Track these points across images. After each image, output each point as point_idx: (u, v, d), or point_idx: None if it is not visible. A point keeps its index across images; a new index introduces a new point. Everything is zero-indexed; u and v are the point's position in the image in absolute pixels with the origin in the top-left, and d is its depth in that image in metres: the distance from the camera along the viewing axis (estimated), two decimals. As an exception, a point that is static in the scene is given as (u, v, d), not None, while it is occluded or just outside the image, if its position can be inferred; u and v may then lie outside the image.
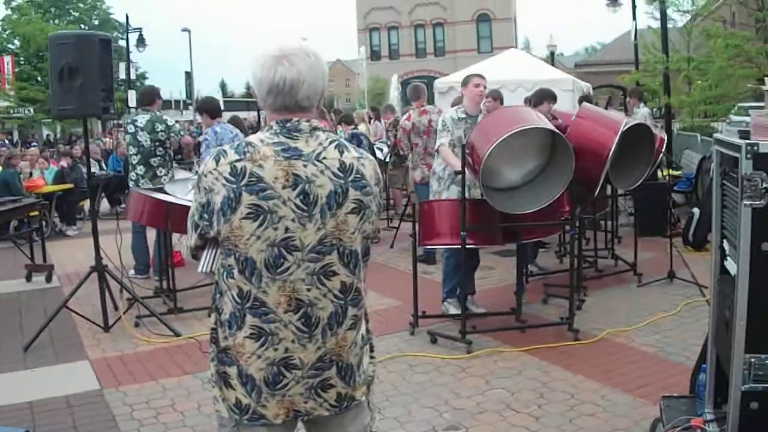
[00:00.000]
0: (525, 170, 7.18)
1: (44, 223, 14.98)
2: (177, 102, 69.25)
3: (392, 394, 6.14)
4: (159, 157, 10.35)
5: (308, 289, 2.74)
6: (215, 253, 2.85)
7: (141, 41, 41.00)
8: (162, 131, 10.34)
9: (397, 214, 14.50)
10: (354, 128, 14.05)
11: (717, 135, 3.96)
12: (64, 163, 17.34)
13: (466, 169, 6.91)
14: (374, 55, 74.43)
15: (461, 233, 6.91)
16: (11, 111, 41.09)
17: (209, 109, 9.88)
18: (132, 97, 38.30)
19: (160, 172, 10.37)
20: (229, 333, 2.79)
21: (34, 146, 28.79)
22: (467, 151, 6.88)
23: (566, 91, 20.97)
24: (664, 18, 18.27)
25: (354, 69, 79.03)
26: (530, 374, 6.42)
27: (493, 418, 5.53)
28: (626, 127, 7.71)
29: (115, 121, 35.96)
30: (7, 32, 51.58)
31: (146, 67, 72.78)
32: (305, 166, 2.72)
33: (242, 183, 2.67)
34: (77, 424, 5.78)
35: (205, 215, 2.76)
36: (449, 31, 71.32)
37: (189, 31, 53.56)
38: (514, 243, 7.71)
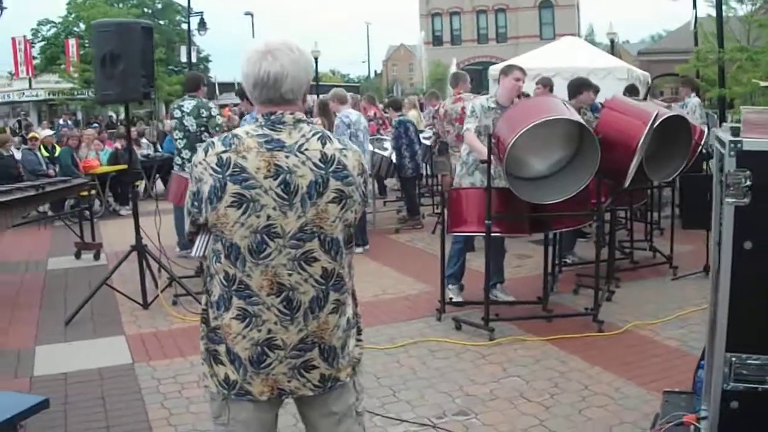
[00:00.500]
0: (551, 161, 7.18)
1: (98, 202, 15.48)
2: (239, 84, 69.53)
3: (410, 378, 6.25)
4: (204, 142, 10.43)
5: (290, 274, 2.87)
6: (208, 239, 2.98)
7: (202, 25, 41.46)
8: (206, 116, 10.54)
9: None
10: (401, 115, 14.04)
11: (717, 131, 3.96)
12: (118, 144, 17.63)
13: (491, 157, 6.95)
14: (436, 41, 74.14)
15: (486, 221, 6.96)
16: (75, 93, 41.73)
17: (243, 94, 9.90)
18: (196, 79, 38.67)
19: None
20: (218, 314, 2.94)
21: (95, 127, 29.21)
22: (493, 140, 6.92)
23: (620, 80, 20.80)
24: (720, 8, 17.99)
25: (417, 54, 78.91)
26: (548, 363, 6.45)
27: (503, 406, 5.60)
28: (662, 119, 7.67)
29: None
30: (72, 15, 52.30)
31: (211, 51, 73.37)
32: (287, 156, 2.84)
33: (227, 173, 2.81)
34: (105, 395, 6.02)
35: (196, 203, 2.91)
36: (511, 17, 70.73)
37: (252, 15, 53.75)
38: (542, 232, 7.74)
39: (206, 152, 2.89)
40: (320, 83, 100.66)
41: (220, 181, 2.81)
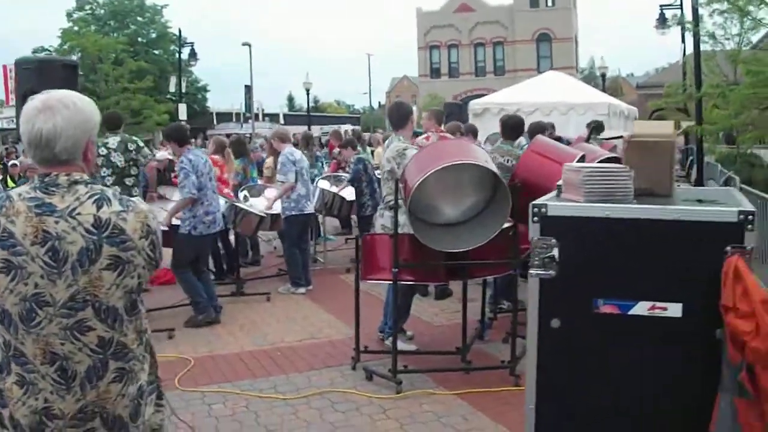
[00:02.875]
0: (464, 207, 6.89)
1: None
2: (237, 115, 69.89)
3: (300, 431, 5.99)
4: (133, 177, 10.52)
5: (62, 344, 2.72)
6: None
7: (193, 55, 41.51)
8: (134, 150, 10.46)
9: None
10: (358, 153, 13.78)
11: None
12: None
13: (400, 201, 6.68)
14: (434, 73, 74.40)
15: (393, 269, 6.68)
16: (65, 122, 41.75)
17: (176, 137, 9.64)
18: (182, 110, 38.72)
19: (135, 192, 10.45)
20: (2, 377, 2.77)
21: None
22: (401, 184, 6.65)
23: (601, 115, 20.67)
24: (697, 45, 17.76)
25: (419, 85, 79.27)
26: (450, 420, 6.14)
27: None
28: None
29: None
30: (66, 45, 52.34)
31: (209, 80, 73.47)
32: (57, 222, 2.68)
33: None
34: None
35: None
36: (509, 51, 70.96)
37: (250, 45, 53.79)
38: (460, 280, 7.45)
39: None
40: (325, 114, 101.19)
41: None
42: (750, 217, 3.00)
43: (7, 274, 2.65)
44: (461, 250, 6.64)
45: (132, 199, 2.92)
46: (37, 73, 8.19)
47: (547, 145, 7.51)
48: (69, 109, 2.76)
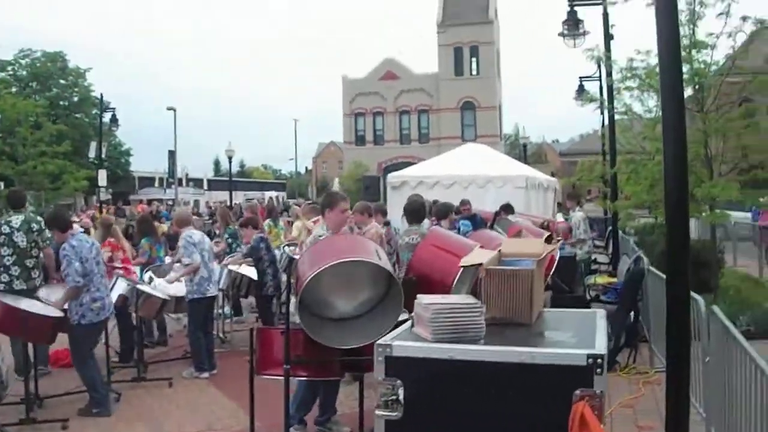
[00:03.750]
0: (357, 301, 6.77)
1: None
2: (161, 179, 69.37)
3: None
4: (35, 258, 10.40)
5: None
6: None
7: (114, 120, 41.16)
8: (37, 231, 10.37)
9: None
10: (260, 232, 13.62)
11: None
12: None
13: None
14: (359, 140, 74.72)
15: (284, 366, 6.53)
16: (-28, 183, 40.98)
17: (58, 224, 9.40)
18: (102, 176, 38.24)
19: (35, 273, 10.39)
20: None
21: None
22: (292, 279, 6.55)
23: (518, 188, 20.89)
24: (612, 123, 17.99)
25: (344, 152, 79.52)
26: None
27: None
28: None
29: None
30: (-16, 105, 51.60)
31: (133, 144, 72.96)
32: None
33: None
34: None
35: None
36: (434, 118, 71.69)
37: (174, 110, 53.65)
38: (358, 374, 7.32)
39: None
40: (251, 179, 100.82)
41: None
42: (599, 360, 2.95)
43: None
44: (353, 346, 6.51)
45: None
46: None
47: (444, 237, 7.46)
48: None
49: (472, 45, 70.48)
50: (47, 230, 10.43)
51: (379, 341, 2.87)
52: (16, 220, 10.38)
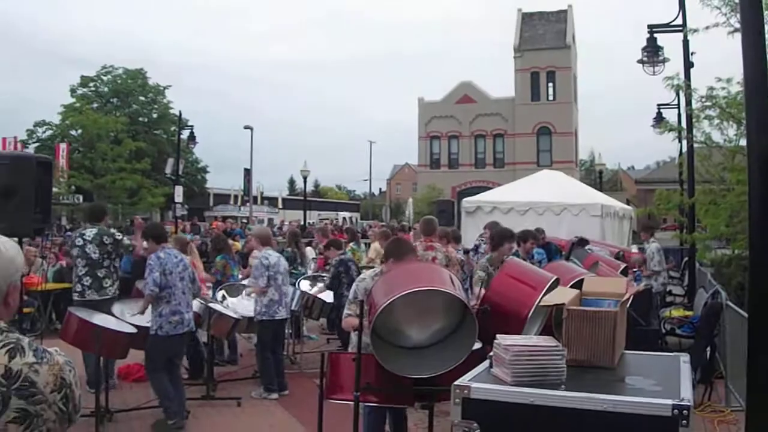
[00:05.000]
0: (431, 331, 6.70)
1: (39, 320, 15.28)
2: (236, 197, 70.03)
3: None
4: (105, 269, 10.63)
5: None
6: None
7: (192, 138, 41.71)
8: (110, 244, 10.64)
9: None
10: (342, 253, 13.62)
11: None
12: (63, 262, 17.37)
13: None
14: (434, 163, 74.62)
15: (354, 392, 6.47)
16: (61, 197, 41.80)
17: (154, 234, 9.72)
18: (179, 192, 38.77)
19: (106, 283, 10.60)
20: None
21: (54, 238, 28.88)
22: (366, 305, 6.49)
23: (594, 216, 20.60)
24: (691, 155, 17.61)
25: (418, 175, 79.51)
26: None
27: None
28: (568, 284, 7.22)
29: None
30: (67, 120, 52.73)
31: (210, 162, 73.87)
32: None
33: None
34: None
35: None
36: (509, 143, 71.22)
37: (251, 129, 54.17)
38: (428, 404, 7.21)
39: None
40: (326, 199, 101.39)
41: None
42: (685, 411, 2.83)
43: None
44: (425, 375, 6.43)
45: (49, 350, 2.78)
46: (11, 169, 8.16)
47: (520, 268, 7.37)
48: None
49: (549, 70, 70.02)
50: (125, 238, 11.03)
51: (457, 382, 2.80)
52: (90, 232, 10.66)
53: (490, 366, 3.55)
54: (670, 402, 2.89)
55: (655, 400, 3.00)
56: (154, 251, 9.40)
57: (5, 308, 2.74)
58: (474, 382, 2.84)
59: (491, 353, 3.23)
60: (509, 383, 3.05)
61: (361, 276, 8.22)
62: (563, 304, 3.94)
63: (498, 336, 3.12)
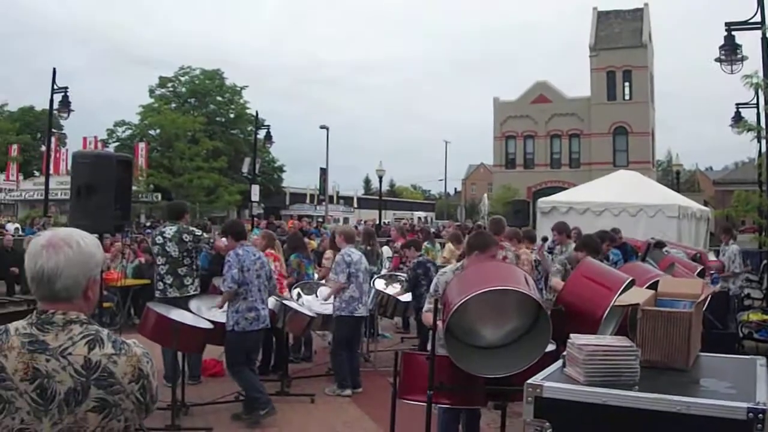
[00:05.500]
0: (504, 330, 6.69)
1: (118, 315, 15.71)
2: (312, 196, 70.40)
3: None
4: (186, 267, 10.74)
5: None
6: None
7: (269, 137, 42.07)
8: (190, 242, 10.74)
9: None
10: (420, 255, 13.65)
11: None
12: (142, 259, 17.70)
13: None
14: (509, 163, 74.15)
15: (428, 391, 6.50)
16: (140, 196, 42.54)
17: (234, 231, 9.86)
18: (255, 191, 39.19)
19: (187, 281, 10.73)
20: None
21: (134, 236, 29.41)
22: (440, 305, 6.51)
23: (671, 218, 20.31)
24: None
25: (493, 175, 79.11)
26: None
27: None
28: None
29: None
30: (146, 120, 53.64)
31: (286, 161, 74.37)
32: (48, 360, 2.67)
33: None
34: None
35: None
36: (585, 143, 70.40)
37: (327, 129, 54.43)
38: (500, 403, 7.21)
39: None
40: (401, 199, 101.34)
41: None
42: (761, 415, 2.79)
43: None
44: (498, 375, 6.43)
45: (128, 341, 2.89)
46: (92, 168, 8.37)
47: (595, 269, 7.33)
48: (72, 248, 2.78)
49: (625, 69, 68.98)
50: (204, 233, 11.15)
51: (529, 381, 2.81)
52: (170, 230, 10.79)
53: (564, 365, 3.55)
54: (745, 405, 2.86)
55: (730, 403, 2.97)
56: (233, 248, 9.54)
57: (85, 302, 2.85)
58: (547, 381, 2.84)
59: (564, 353, 3.22)
60: (582, 383, 3.05)
61: (442, 270, 8.25)
62: (638, 304, 3.91)
63: (572, 335, 3.12)
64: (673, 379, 3.39)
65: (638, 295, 4.16)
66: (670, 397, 3.00)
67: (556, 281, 9.01)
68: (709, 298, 7.44)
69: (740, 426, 2.82)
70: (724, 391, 3.28)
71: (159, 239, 10.79)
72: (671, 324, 3.57)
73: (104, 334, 2.81)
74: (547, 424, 2.77)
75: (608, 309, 6.65)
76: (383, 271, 15.12)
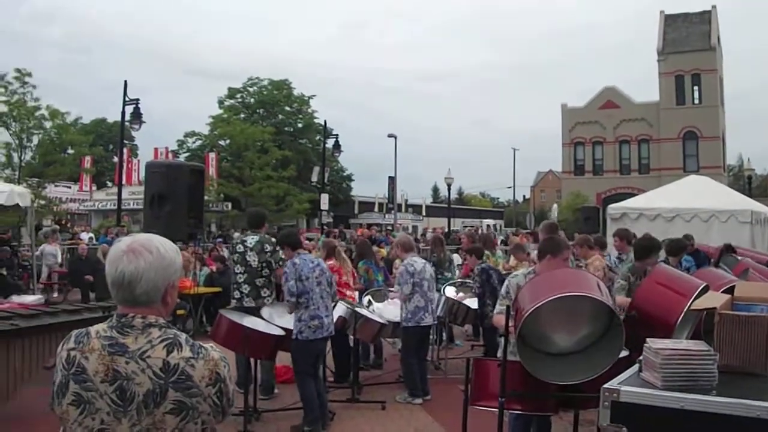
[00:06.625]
0: (577, 337, 6.65)
1: (191, 322, 15.99)
2: (380, 205, 70.57)
3: None
4: (264, 278, 10.76)
5: None
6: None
7: (337, 146, 42.35)
8: (270, 252, 10.72)
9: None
10: (482, 262, 13.62)
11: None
12: (214, 267, 17.93)
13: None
14: (577, 170, 73.58)
15: (499, 398, 6.48)
16: (210, 205, 43.03)
17: (289, 242, 9.83)
18: (324, 200, 39.45)
19: (264, 292, 10.74)
20: None
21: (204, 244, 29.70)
22: (512, 311, 6.49)
23: (743, 223, 19.98)
24: None
25: (562, 181, 78.53)
26: None
27: None
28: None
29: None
30: (216, 131, 54.24)
31: (354, 170, 74.70)
32: (127, 363, 2.76)
33: (71, 371, 2.80)
34: None
35: (53, 392, 2.88)
36: (654, 148, 69.54)
37: (395, 137, 54.55)
38: (571, 411, 7.17)
39: (63, 345, 2.89)
40: (469, 207, 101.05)
41: (65, 377, 2.81)
42: None
43: (77, 407, 2.76)
44: (571, 382, 6.39)
45: (205, 345, 2.96)
46: (165, 177, 8.51)
47: (668, 275, 7.24)
48: (152, 254, 2.87)
49: (694, 73, 68.05)
50: (279, 252, 10.81)
51: (606, 385, 2.80)
52: (251, 240, 10.79)
53: (640, 370, 3.53)
54: (832, 413, 2.82)
55: (811, 408, 2.93)
56: (290, 258, 9.54)
57: (164, 306, 2.94)
58: (623, 386, 2.83)
59: (641, 357, 3.20)
60: (659, 387, 3.03)
61: (514, 273, 8.21)
62: (714, 308, 3.87)
63: (648, 340, 3.10)
64: (752, 384, 3.35)
65: (714, 300, 4.12)
66: (749, 402, 2.97)
67: (621, 299, 8.81)
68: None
69: (822, 432, 2.78)
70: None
71: (240, 248, 10.80)
72: (749, 328, 3.53)
73: (182, 338, 2.89)
74: (624, 429, 2.75)
75: (682, 315, 6.57)
76: (455, 278, 15.10)
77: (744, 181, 51.44)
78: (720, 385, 3.27)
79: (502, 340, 7.19)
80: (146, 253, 2.86)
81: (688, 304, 6.48)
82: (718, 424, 2.89)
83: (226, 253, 18.71)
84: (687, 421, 2.89)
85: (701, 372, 3.14)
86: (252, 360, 9.68)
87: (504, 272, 13.63)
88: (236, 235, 23.18)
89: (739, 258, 12.84)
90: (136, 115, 29.49)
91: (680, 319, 6.51)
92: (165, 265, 2.90)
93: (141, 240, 2.92)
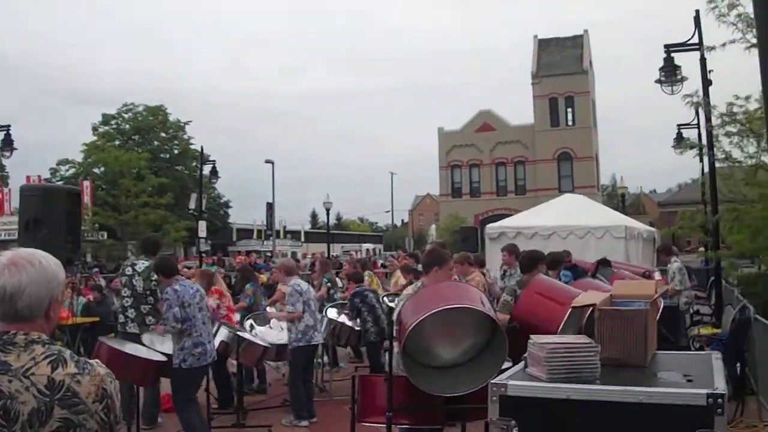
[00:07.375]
0: (461, 349, 6.72)
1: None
2: (259, 231, 70.23)
3: None
4: (150, 306, 10.51)
5: None
6: None
7: (214, 173, 41.86)
8: (155, 281, 10.42)
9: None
10: (358, 286, 13.73)
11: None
12: (91, 296, 17.56)
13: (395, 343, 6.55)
14: (455, 192, 74.62)
15: (387, 413, 6.49)
16: (86, 234, 42.05)
17: (163, 269, 9.54)
18: (202, 227, 38.94)
19: (149, 320, 10.48)
20: None
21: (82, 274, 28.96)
22: (395, 325, 6.53)
23: (618, 238, 20.53)
24: (712, 170, 17.54)
25: (440, 204, 79.50)
26: None
27: None
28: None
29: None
30: (90, 158, 53.26)
31: (231, 197, 74.13)
32: (10, 381, 2.64)
33: None
34: None
35: None
36: (530, 170, 71.14)
37: (272, 163, 54.44)
38: (460, 423, 7.23)
39: None
40: (349, 232, 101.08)
41: None
42: (719, 400, 2.87)
43: None
44: (456, 394, 6.45)
45: (90, 361, 2.89)
46: (41, 201, 8.29)
47: (548, 285, 7.41)
48: (35, 267, 2.78)
49: (568, 95, 69.99)
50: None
51: (494, 381, 2.85)
52: (141, 264, 10.63)
53: (526, 366, 3.60)
54: (704, 392, 2.94)
55: (690, 390, 3.04)
56: (168, 285, 9.34)
57: (47, 321, 2.84)
58: (510, 380, 2.88)
59: (525, 354, 3.26)
60: (545, 380, 3.09)
61: (405, 292, 8.25)
62: (595, 304, 3.98)
63: (532, 336, 3.17)
64: (633, 374, 3.45)
65: (594, 297, 4.23)
66: (632, 388, 3.06)
67: (501, 317, 8.89)
68: (661, 309, 7.56)
69: (701, 411, 2.89)
70: (683, 381, 3.36)
71: (129, 270, 10.61)
72: (628, 322, 3.63)
73: (67, 354, 2.80)
74: (513, 422, 2.80)
75: (562, 324, 6.71)
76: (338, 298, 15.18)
77: (617, 200, 53.01)
78: (603, 375, 3.36)
79: (387, 355, 7.23)
80: (29, 266, 2.78)
81: (567, 313, 6.63)
82: (603, 412, 2.97)
83: (103, 282, 18.28)
84: (573, 410, 2.96)
85: (584, 364, 3.22)
86: (135, 388, 9.45)
87: (393, 292, 13.79)
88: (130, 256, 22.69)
89: (615, 270, 13.22)
90: (7, 142, 28.56)
91: (563, 322, 6.66)
92: (48, 278, 2.82)
93: (23, 254, 2.84)
